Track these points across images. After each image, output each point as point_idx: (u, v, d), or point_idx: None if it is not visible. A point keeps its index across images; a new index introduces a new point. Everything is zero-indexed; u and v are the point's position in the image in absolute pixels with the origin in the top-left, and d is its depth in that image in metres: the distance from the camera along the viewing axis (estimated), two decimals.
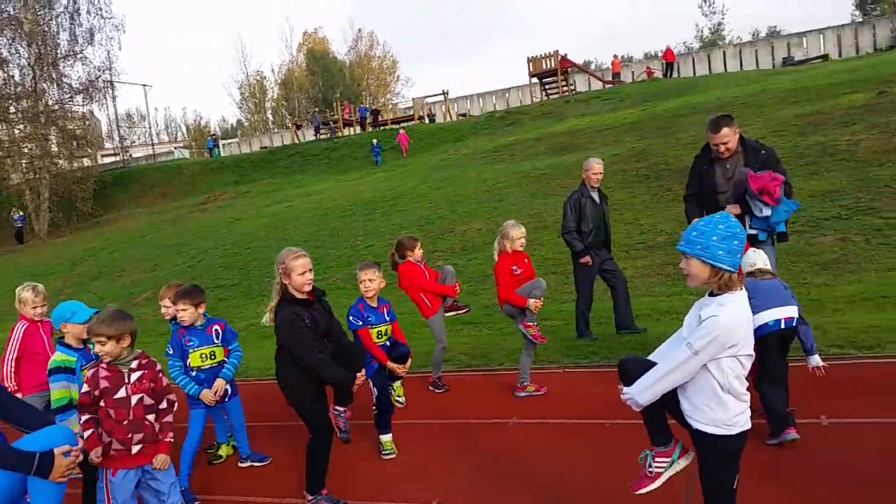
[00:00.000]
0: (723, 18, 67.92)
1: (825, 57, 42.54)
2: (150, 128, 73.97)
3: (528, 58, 37.38)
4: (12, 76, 37.57)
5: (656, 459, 2.79)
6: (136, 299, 15.66)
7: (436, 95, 43.32)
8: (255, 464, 5.06)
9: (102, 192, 37.64)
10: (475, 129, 30.56)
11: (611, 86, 36.77)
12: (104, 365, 3.54)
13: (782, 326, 4.04)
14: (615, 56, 43.80)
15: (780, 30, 65.24)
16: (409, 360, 5.29)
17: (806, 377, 4.31)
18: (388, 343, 5.26)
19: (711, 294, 2.57)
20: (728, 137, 5.12)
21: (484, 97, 55.91)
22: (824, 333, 5.97)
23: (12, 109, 37.36)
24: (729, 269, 2.45)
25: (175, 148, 60.65)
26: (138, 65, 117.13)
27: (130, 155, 52.20)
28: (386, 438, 4.92)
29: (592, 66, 57.85)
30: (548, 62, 36.89)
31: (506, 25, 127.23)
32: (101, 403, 3.51)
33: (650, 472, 2.80)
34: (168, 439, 3.68)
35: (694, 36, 69.74)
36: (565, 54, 36.87)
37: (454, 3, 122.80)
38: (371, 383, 4.91)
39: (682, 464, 2.80)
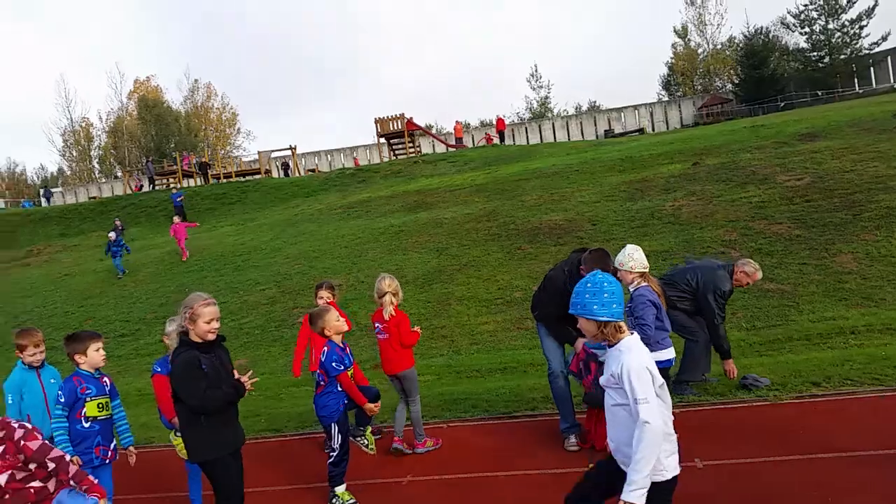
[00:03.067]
0: (549, 92, 74.30)
1: (641, 130, 47.99)
2: None
3: (375, 119, 38.30)
4: None
5: None
6: None
7: (283, 150, 42.77)
8: None
9: None
10: (326, 184, 30.48)
11: (454, 149, 38.56)
12: None
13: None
14: (457, 122, 46.28)
15: (600, 105, 72.55)
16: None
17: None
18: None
19: (610, 345, 2.80)
20: None
21: (332, 154, 56.31)
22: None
23: None
24: (608, 318, 2.71)
25: None
26: None
27: None
28: (341, 489, 4.90)
29: (434, 130, 60.38)
30: (395, 124, 38.03)
31: (351, 87, 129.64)
32: None
33: None
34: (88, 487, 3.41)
35: (524, 107, 75.25)
36: (411, 117, 38.25)
37: (298, 61, 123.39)
38: (336, 429, 4.84)
39: None
